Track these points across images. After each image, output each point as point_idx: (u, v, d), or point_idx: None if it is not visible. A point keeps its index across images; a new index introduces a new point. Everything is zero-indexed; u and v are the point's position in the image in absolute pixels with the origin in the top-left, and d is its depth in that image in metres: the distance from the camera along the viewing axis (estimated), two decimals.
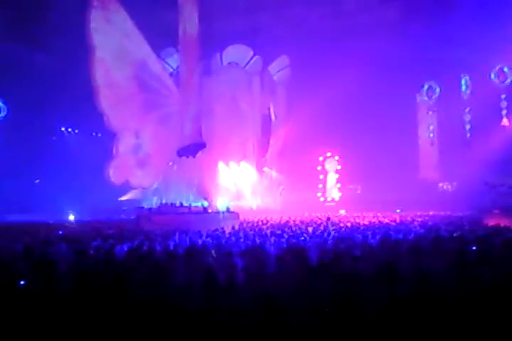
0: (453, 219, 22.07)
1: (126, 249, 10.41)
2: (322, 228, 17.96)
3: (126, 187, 34.75)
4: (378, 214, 28.02)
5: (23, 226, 21.66)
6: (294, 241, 12.48)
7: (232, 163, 39.41)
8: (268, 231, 16.06)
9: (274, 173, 40.77)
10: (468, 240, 11.06)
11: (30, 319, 5.34)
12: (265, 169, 40.88)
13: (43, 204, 32.55)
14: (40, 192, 34.04)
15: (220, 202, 30.48)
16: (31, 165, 34.33)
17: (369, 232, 14.63)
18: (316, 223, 21.04)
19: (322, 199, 42.35)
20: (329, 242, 11.94)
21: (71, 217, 31.39)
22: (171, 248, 11.20)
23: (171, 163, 33.51)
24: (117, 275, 6.88)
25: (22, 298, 6.07)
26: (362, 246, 10.61)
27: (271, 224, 21.71)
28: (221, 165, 38.44)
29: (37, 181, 36.88)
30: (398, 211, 25.63)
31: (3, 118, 37.31)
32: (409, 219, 23.72)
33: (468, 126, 38.67)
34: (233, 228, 18.44)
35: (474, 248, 9.51)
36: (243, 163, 39.82)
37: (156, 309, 5.33)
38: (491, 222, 18.35)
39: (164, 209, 25.59)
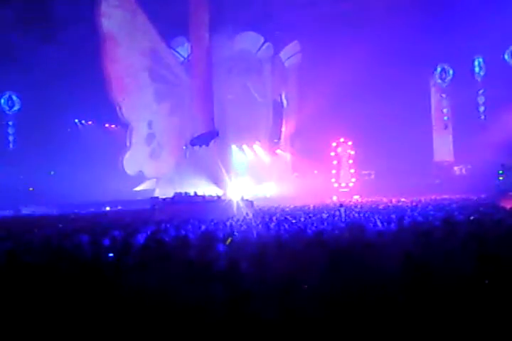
0: (469, 202, 21.82)
1: (142, 239, 10.40)
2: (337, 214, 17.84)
3: (140, 178, 34.95)
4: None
5: (38, 218, 21.86)
6: (309, 227, 12.41)
7: (245, 147, 39.53)
8: (282, 218, 16.03)
9: (287, 156, 40.79)
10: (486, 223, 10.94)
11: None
12: (278, 152, 40.86)
13: (58, 196, 32.79)
14: (55, 184, 34.28)
15: (234, 190, 30.49)
16: (45, 158, 34.58)
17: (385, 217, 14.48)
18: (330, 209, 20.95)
19: (336, 185, 42.14)
20: (343, 228, 11.85)
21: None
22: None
23: (184, 147, 33.59)
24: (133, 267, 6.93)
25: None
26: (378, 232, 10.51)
27: (285, 210, 21.68)
28: (234, 148, 38.51)
29: (52, 173, 37.12)
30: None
31: (16, 112, 37.58)
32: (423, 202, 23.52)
33: (482, 108, 38.24)
34: (247, 215, 18.45)
35: None
36: (256, 147, 39.89)
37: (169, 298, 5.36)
38: (508, 205, 18.17)
39: (178, 199, 25.59)
